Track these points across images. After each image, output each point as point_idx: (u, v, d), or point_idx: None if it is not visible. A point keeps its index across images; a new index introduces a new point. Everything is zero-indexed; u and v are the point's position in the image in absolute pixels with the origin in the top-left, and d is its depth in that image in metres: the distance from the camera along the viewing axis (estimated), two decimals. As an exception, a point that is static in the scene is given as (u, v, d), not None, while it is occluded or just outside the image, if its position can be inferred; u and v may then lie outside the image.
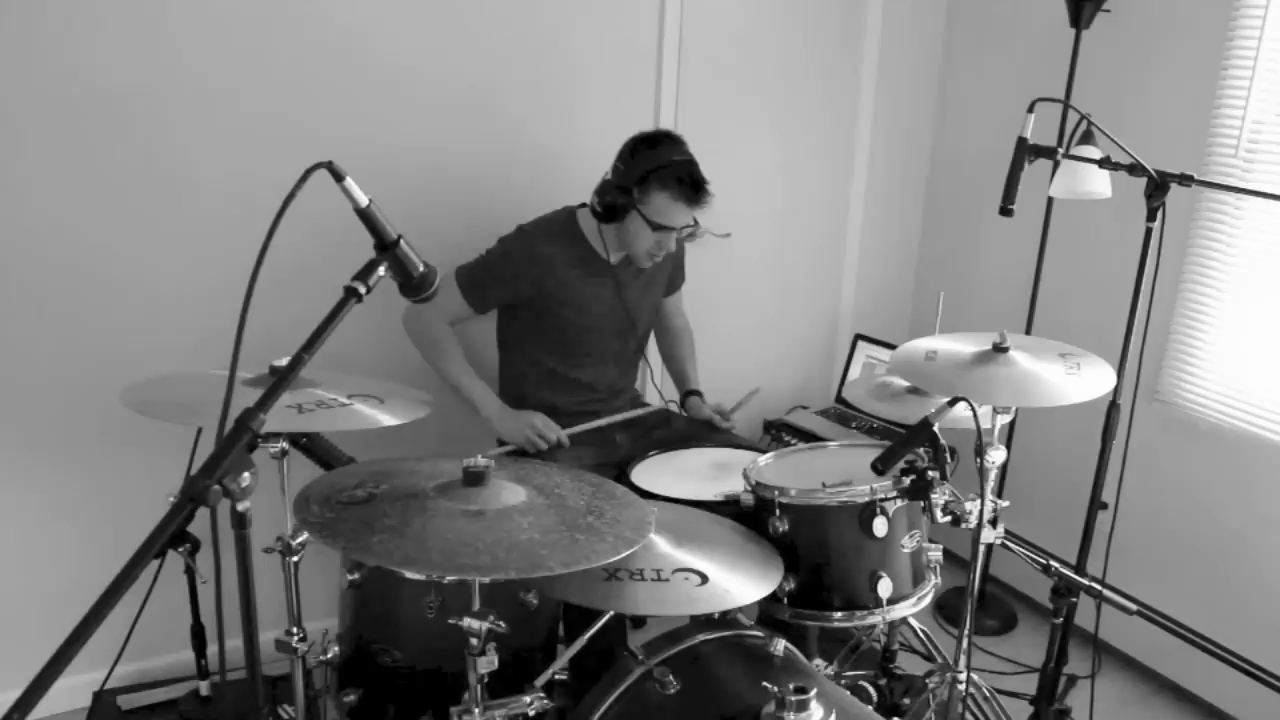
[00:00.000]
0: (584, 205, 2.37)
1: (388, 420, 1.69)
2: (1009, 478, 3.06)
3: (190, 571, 2.12)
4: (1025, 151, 2.04)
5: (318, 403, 1.68)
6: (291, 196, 1.13)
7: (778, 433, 3.01)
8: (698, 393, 2.63)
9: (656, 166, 2.20)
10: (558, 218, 2.35)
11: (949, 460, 1.81)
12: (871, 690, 2.13)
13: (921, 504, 1.85)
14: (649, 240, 2.25)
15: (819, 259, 3.32)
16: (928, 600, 1.96)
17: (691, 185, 2.20)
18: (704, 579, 1.62)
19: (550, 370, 2.39)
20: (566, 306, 2.31)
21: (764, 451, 2.18)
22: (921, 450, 1.83)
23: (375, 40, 2.42)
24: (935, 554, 1.96)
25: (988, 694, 2.11)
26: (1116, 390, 2.01)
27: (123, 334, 2.33)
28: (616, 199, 2.23)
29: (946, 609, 3.03)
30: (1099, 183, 2.42)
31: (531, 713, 1.58)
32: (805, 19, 3.04)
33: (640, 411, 2.47)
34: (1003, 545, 2.02)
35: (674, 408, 2.66)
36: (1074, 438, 2.92)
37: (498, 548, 1.37)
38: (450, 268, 2.29)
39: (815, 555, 1.88)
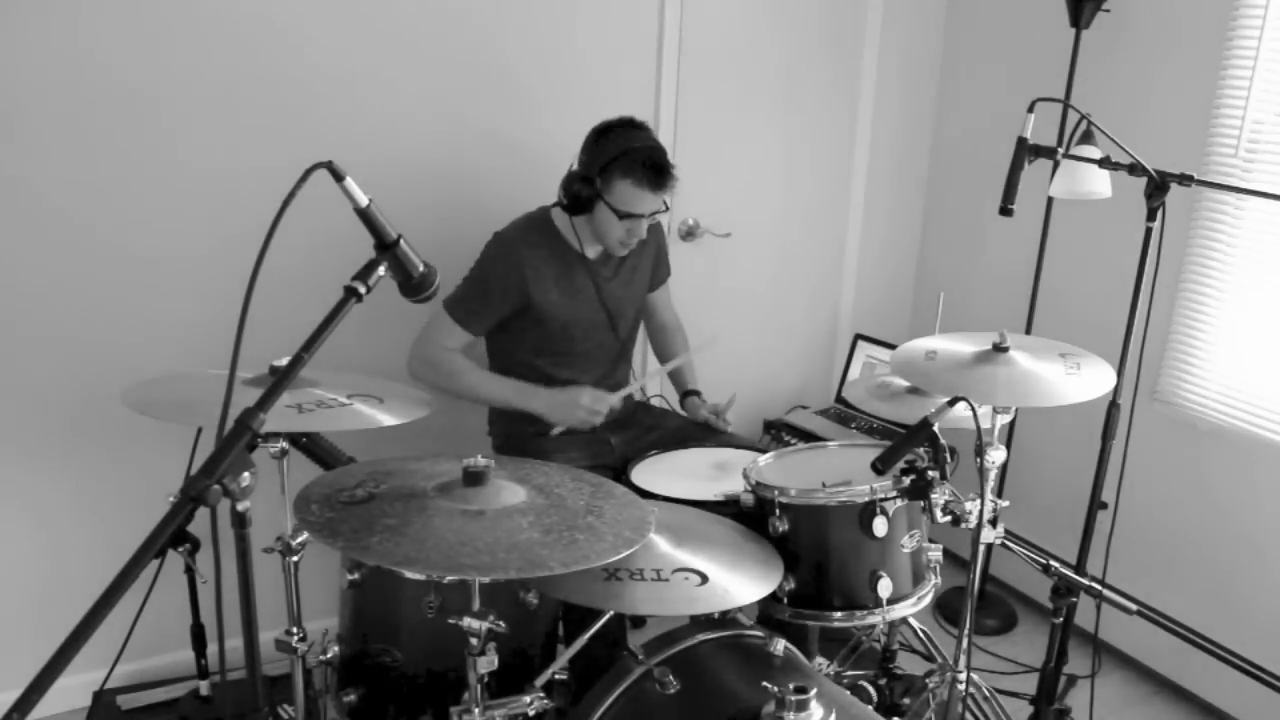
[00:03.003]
0: (558, 203, 2.36)
1: (388, 420, 1.69)
2: (1009, 478, 3.06)
3: (190, 571, 2.12)
4: (1025, 151, 2.04)
5: (318, 403, 1.68)
6: (291, 196, 1.13)
7: (778, 433, 3.01)
8: (696, 392, 2.62)
9: (618, 154, 2.17)
10: (533, 217, 2.35)
11: (949, 460, 1.81)
12: (871, 690, 2.13)
13: (921, 504, 1.85)
14: (619, 229, 2.23)
15: (819, 259, 3.32)
16: (928, 600, 1.96)
17: (654, 169, 2.16)
18: (704, 579, 1.62)
19: (539, 372, 2.38)
20: (549, 304, 2.30)
21: (764, 451, 2.18)
22: (921, 450, 1.83)
23: (375, 40, 2.42)
24: (935, 554, 1.96)
25: (988, 694, 2.11)
26: (1116, 390, 2.01)
27: (123, 334, 2.33)
28: (581, 190, 2.21)
29: (946, 609, 3.03)
30: (1099, 183, 2.42)
31: (531, 713, 1.58)
32: (805, 19, 3.04)
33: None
34: (1003, 545, 2.02)
35: (658, 401, 2.64)
36: (1074, 438, 2.92)
37: (498, 548, 1.37)
38: (447, 268, 2.28)
39: (815, 555, 1.88)
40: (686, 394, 2.62)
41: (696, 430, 2.49)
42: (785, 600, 1.88)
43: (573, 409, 2.27)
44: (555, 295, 2.30)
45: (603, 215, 2.23)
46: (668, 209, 2.28)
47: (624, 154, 2.16)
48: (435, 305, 2.30)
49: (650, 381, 2.49)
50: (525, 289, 2.27)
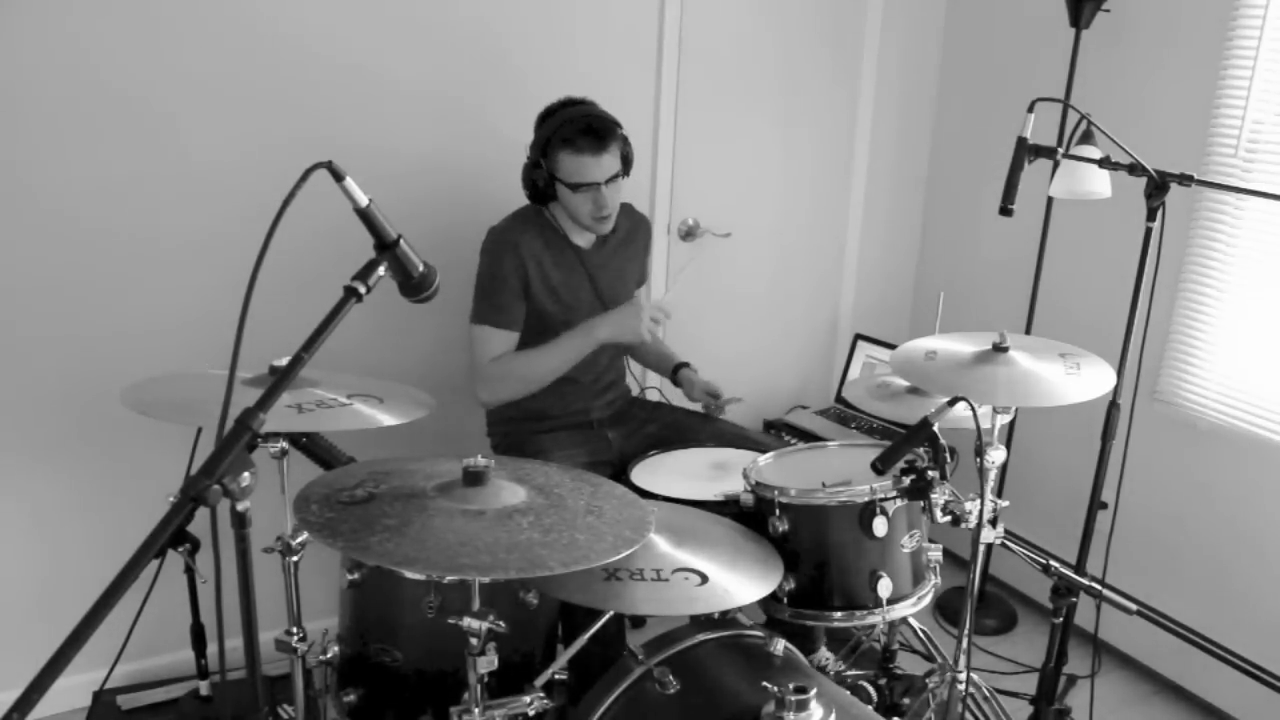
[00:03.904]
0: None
1: (388, 420, 1.69)
2: (1009, 478, 3.06)
3: (190, 571, 2.12)
4: (1025, 151, 2.04)
5: (318, 402, 1.68)
6: (291, 196, 1.13)
7: (778, 433, 3.01)
8: (686, 364, 2.55)
9: (554, 129, 2.19)
10: (526, 209, 2.36)
11: (949, 460, 1.81)
12: (871, 690, 2.13)
13: (921, 504, 1.85)
14: (584, 204, 2.23)
15: (819, 259, 3.32)
16: (928, 600, 1.96)
17: (587, 133, 2.17)
18: (704, 579, 1.62)
19: None
20: (545, 296, 2.30)
21: (765, 449, 2.18)
22: (921, 450, 1.83)
23: (378, 38, 2.42)
24: (935, 554, 1.96)
25: (988, 694, 2.11)
26: (1116, 390, 2.01)
27: (123, 334, 2.33)
28: (536, 177, 2.24)
29: (946, 609, 3.03)
30: (1099, 183, 2.42)
31: (531, 713, 1.58)
32: (805, 19, 3.04)
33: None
34: (1003, 545, 2.02)
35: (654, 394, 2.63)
36: (1074, 438, 2.92)
37: (498, 547, 1.37)
38: (447, 266, 2.27)
39: (815, 555, 1.88)
40: (677, 368, 2.56)
41: (693, 423, 2.48)
42: (785, 600, 1.88)
43: (637, 317, 2.25)
44: (552, 283, 2.30)
45: (563, 195, 2.24)
46: (624, 174, 2.26)
47: (559, 127, 2.19)
48: (469, 329, 2.31)
49: (682, 274, 2.49)
50: (524, 274, 2.27)
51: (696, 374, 2.52)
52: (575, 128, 2.17)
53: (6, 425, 2.27)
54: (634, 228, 2.48)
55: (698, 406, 2.53)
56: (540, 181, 2.24)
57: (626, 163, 2.27)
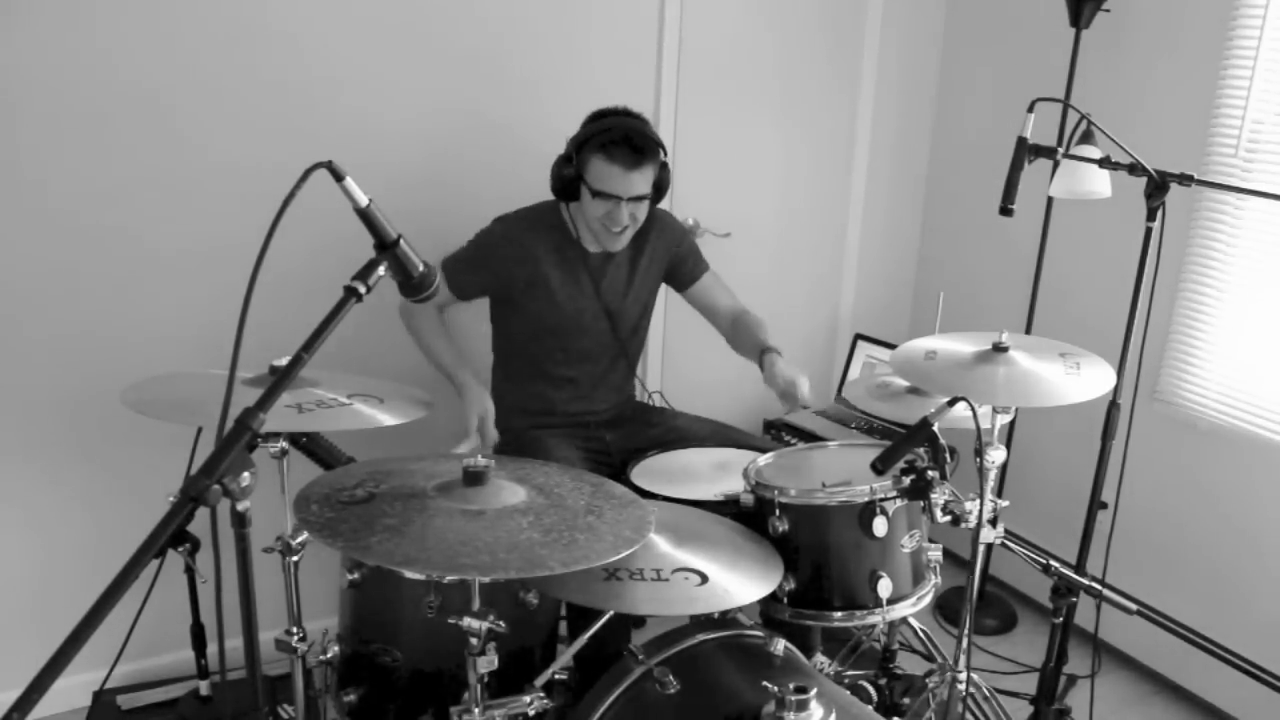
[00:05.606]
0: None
1: (388, 420, 1.69)
2: (1009, 478, 3.06)
3: (190, 571, 2.13)
4: (1025, 151, 2.04)
5: (317, 402, 1.69)
6: (291, 196, 1.13)
7: (778, 433, 3.01)
8: (774, 349, 2.38)
9: (597, 131, 2.17)
10: (540, 206, 2.35)
11: (949, 460, 1.81)
12: (871, 690, 2.13)
13: (921, 504, 1.85)
14: (598, 210, 2.21)
15: (819, 259, 3.32)
16: (927, 600, 1.96)
17: (627, 147, 2.14)
18: (704, 579, 1.62)
19: (537, 367, 2.38)
20: (544, 296, 2.30)
21: (765, 449, 2.18)
22: (921, 450, 1.83)
23: (382, 39, 2.42)
24: (935, 554, 1.96)
25: (988, 694, 2.11)
26: (1116, 390, 2.01)
27: (123, 334, 2.33)
28: (564, 172, 2.23)
29: (946, 609, 3.03)
30: (1099, 183, 2.42)
31: (531, 713, 1.58)
32: (805, 19, 3.04)
33: None
34: (1003, 545, 2.02)
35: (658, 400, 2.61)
36: (1074, 438, 2.92)
37: (498, 547, 1.37)
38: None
39: (815, 555, 1.88)
40: (764, 352, 2.40)
41: (694, 427, 2.47)
42: (785, 600, 1.88)
43: (468, 414, 2.22)
44: (550, 284, 2.30)
45: (584, 197, 2.23)
46: (655, 200, 2.24)
47: (602, 131, 2.17)
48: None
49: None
50: (515, 271, 2.27)
51: (781, 363, 2.31)
52: (615, 136, 2.15)
53: (7, 424, 2.27)
54: (657, 235, 2.43)
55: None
56: (566, 175, 2.23)
57: (659, 189, 2.25)
